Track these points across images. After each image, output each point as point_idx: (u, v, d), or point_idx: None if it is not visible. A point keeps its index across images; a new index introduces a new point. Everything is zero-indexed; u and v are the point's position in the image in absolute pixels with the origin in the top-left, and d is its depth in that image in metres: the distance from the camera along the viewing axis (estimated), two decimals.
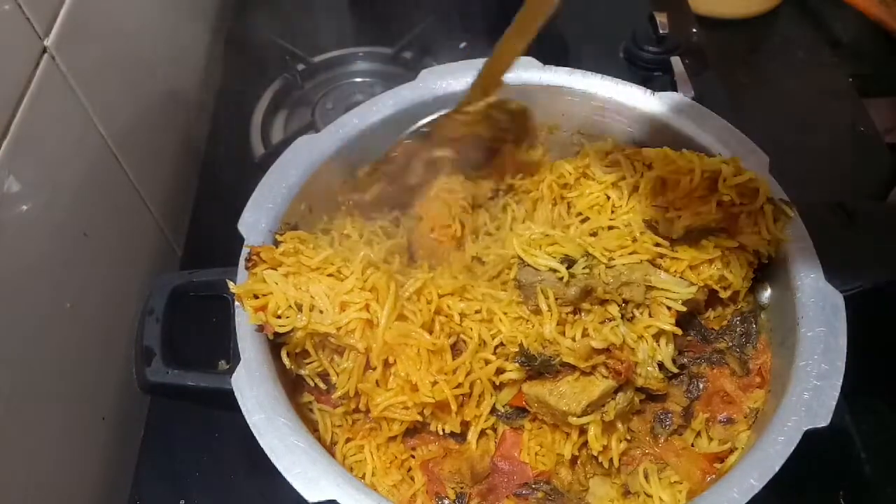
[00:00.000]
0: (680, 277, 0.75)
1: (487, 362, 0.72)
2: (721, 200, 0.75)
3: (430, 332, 0.72)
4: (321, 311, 0.69)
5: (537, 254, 0.74)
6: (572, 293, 0.71)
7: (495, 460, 0.73)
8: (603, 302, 0.73)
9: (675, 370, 0.74)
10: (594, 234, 0.80)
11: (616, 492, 0.73)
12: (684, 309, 0.74)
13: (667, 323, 0.73)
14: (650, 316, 0.74)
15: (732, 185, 0.74)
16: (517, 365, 0.71)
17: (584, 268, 0.73)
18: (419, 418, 0.72)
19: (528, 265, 0.74)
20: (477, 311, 0.74)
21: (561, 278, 0.72)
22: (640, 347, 0.72)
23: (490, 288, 0.77)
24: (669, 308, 0.74)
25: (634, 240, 0.76)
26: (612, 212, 0.81)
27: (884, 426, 0.92)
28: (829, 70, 1.37)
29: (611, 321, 0.72)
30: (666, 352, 0.73)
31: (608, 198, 0.82)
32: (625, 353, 0.70)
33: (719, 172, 0.75)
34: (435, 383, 0.70)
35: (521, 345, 0.71)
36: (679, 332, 0.74)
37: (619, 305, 0.73)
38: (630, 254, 0.75)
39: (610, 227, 0.80)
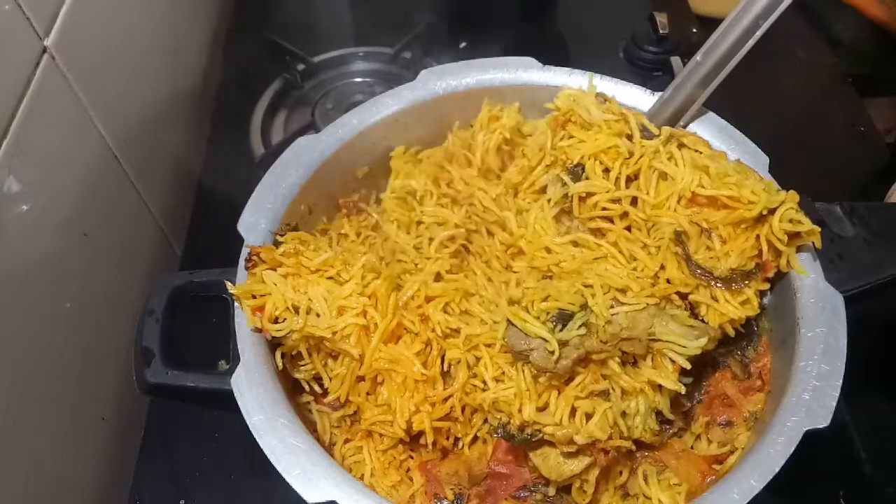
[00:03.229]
0: (701, 320, 0.71)
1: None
2: (767, 239, 0.70)
3: (427, 347, 0.71)
4: (318, 315, 0.69)
5: (528, 318, 0.67)
6: (562, 366, 0.65)
7: (493, 464, 0.73)
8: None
9: (672, 417, 0.72)
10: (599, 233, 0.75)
11: (615, 494, 0.73)
12: (689, 366, 0.68)
13: (669, 380, 0.68)
14: (653, 364, 0.69)
15: (787, 229, 0.70)
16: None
17: (580, 325, 0.66)
18: (405, 437, 0.71)
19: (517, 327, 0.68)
20: (456, 330, 0.72)
21: (552, 352, 0.65)
22: (639, 401, 0.68)
23: (483, 306, 0.74)
24: (673, 361, 0.69)
25: (657, 274, 0.71)
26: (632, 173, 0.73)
27: (884, 426, 0.91)
28: (829, 70, 1.37)
29: (604, 395, 0.67)
30: (665, 402, 0.69)
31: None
32: (611, 443, 0.67)
33: (774, 211, 0.69)
34: (416, 412, 0.69)
35: (499, 423, 0.68)
36: (682, 389, 0.69)
37: (618, 358, 0.69)
38: (647, 296, 0.69)
39: (626, 222, 0.74)
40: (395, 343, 0.71)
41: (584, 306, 0.68)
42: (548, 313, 0.67)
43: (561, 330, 0.66)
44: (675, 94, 0.81)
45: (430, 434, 0.70)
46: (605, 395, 0.68)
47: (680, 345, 0.68)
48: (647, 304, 0.69)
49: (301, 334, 0.69)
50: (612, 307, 0.68)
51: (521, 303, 0.69)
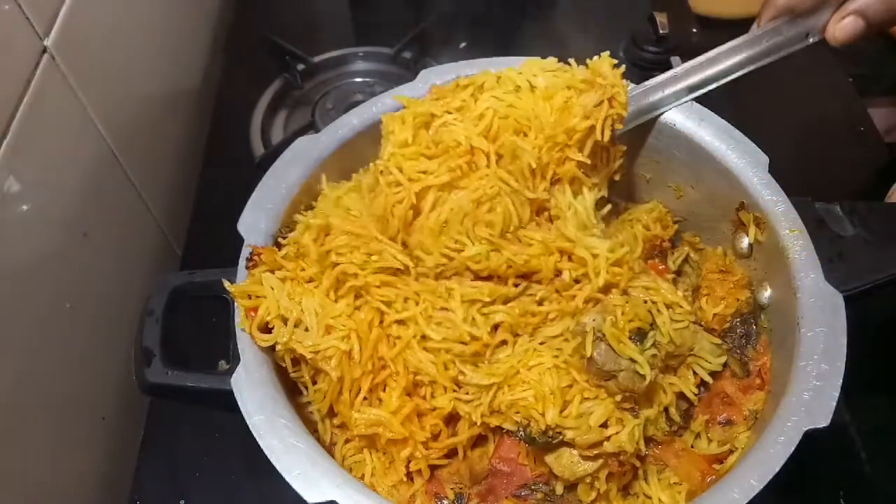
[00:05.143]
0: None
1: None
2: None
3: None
4: (306, 329, 0.68)
5: (624, 339, 0.66)
6: (644, 386, 0.67)
7: (493, 462, 0.73)
8: None
9: (678, 419, 0.73)
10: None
11: (617, 493, 0.73)
12: (710, 380, 0.74)
13: (689, 389, 0.72)
14: (676, 374, 0.73)
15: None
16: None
17: (651, 345, 0.68)
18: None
19: (608, 345, 0.66)
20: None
21: (643, 375, 0.65)
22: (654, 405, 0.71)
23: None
24: (695, 373, 0.73)
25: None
26: None
27: (884, 426, 0.92)
28: (829, 70, 1.37)
29: (632, 412, 0.68)
30: (674, 399, 0.73)
31: None
32: (632, 458, 0.68)
33: None
34: (412, 457, 0.69)
35: (519, 426, 0.68)
36: (696, 401, 0.74)
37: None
38: (689, 313, 0.72)
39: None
40: (376, 375, 0.70)
41: (653, 324, 0.69)
42: (631, 332, 0.67)
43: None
44: (652, 92, 0.81)
45: (427, 473, 0.70)
46: (633, 411, 0.69)
47: (707, 360, 0.73)
48: (689, 321, 0.71)
49: (285, 348, 0.68)
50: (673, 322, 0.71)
51: (617, 324, 0.67)
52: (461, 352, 0.68)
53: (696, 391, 0.73)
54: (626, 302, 0.68)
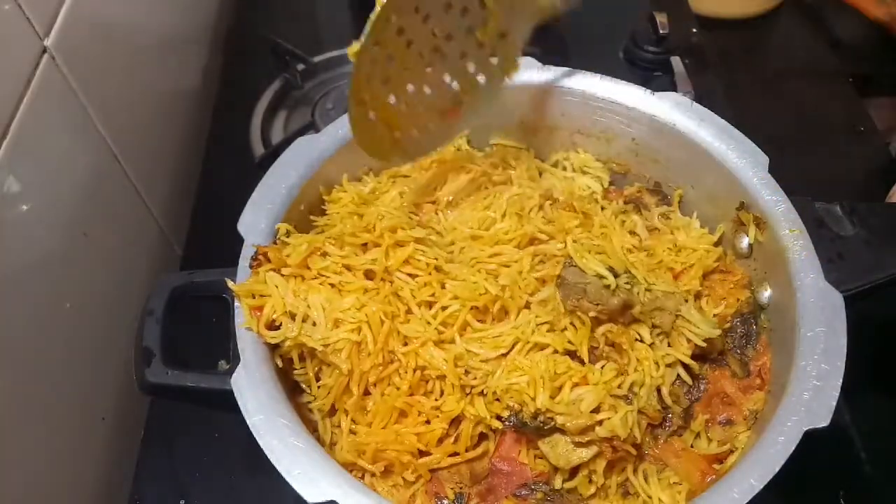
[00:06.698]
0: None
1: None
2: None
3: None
4: (314, 324, 0.69)
5: (588, 257, 0.73)
6: (615, 302, 0.70)
7: (494, 461, 0.73)
8: (630, 324, 0.73)
9: (670, 402, 0.73)
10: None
11: (617, 490, 0.73)
12: (704, 345, 0.74)
13: (683, 354, 0.73)
14: (669, 345, 0.74)
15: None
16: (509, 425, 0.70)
17: (625, 282, 0.72)
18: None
19: (575, 266, 0.73)
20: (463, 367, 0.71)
21: (608, 286, 0.71)
22: (645, 372, 0.72)
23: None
24: (689, 341, 0.74)
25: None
26: None
27: (884, 426, 0.92)
28: (829, 70, 1.37)
29: (625, 399, 0.70)
30: (668, 379, 0.73)
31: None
32: (626, 444, 0.68)
33: None
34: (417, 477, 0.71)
35: (511, 410, 0.69)
36: (696, 366, 0.74)
37: (649, 329, 0.73)
38: (674, 286, 0.75)
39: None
40: (385, 367, 0.71)
41: (627, 272, 0.73)
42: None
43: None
44: None
45: (427, 476, 0.71)
46: (626, 399, 0.70)
47: (699, 327, 0.73)
48: (675, 291, 0.74)
49: (294, 342, 0.69)
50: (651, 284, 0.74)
51: (580, 243, 0.75)
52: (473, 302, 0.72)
53: (689, 354, 0.73)
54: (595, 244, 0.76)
